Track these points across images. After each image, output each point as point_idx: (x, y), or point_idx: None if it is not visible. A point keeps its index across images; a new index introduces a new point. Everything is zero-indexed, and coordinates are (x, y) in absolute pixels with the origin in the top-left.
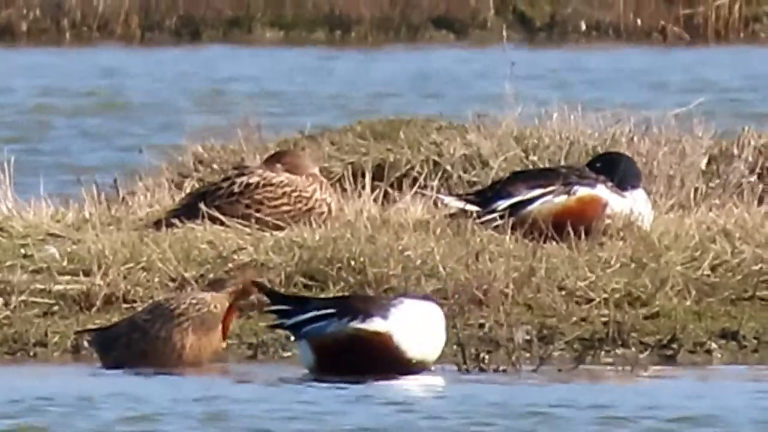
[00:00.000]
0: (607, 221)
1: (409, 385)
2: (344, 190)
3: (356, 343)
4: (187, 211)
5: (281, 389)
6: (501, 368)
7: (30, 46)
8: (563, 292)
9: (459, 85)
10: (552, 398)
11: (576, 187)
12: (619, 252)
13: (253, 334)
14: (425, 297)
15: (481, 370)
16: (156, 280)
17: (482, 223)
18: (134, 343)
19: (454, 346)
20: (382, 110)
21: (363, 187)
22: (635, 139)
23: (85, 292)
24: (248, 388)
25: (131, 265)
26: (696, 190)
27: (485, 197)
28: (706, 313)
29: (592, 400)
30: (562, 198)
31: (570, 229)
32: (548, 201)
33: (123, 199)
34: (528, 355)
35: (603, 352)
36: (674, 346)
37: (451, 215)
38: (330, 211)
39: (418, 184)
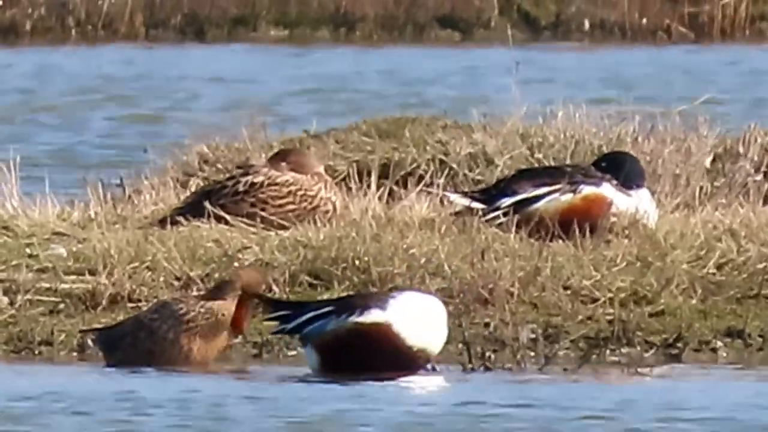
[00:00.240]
0: (613, 220)
1: (414, 383)
2: (349, 188)
3: (357, 337)
4: (192, 209)
5: (285, 388)
6: (506, 367)
7: (34, 45)
8: (568, 291)
9: (464, 84)
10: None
11: (581, 186)
12: (625, 251)
13: (257, 333)
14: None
15: (487, 369)
16: (161, 279)
17: (487, 221)
18: (140, 342)
19: (460, 345)
20: (387, 109)
21: (368, 186)
22: (640, 138)
23: (90, 291)
24: (252, 386)
25: (136, 264)
26: (701, 188)
27: (490, 195)
28: (712, 312)
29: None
30: (568, 196)
31: (575, 227)
32: (554, 199)
33: (128, 197)
34: (533, 354)
35: (608, 351)
36: (680, 344)
37: (457, 213)
38: (335, 209)
39: (423, 183)
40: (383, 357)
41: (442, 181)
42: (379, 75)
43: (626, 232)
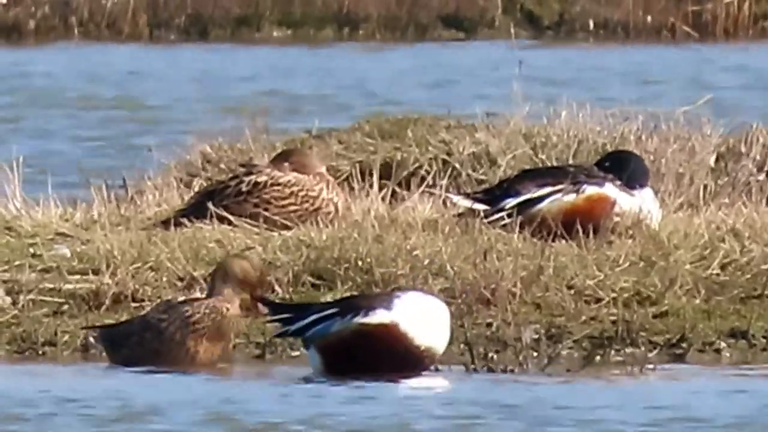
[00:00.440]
0: (616, 220)
1: (416, 384)
2: (352, 189)
3: (362, 339)
4: (196, 210)
5: (288, 388)
6: (509, 368)
7: (38, 45)
8: (572, 291)
9: (467, 84)
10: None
11: (584, 186)
12: (628, 251)
13: (260, 333)
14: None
15: (489, 369)
16: (164, 279)
17: (490, 221)
18: (147, 342)
19: (462, 346)
20: (389, 109)
21: (371, 186)
22: (644, 137)
23: (94, 291)
24: (255, 387)
25: (140, 264)
26: (705, 187)
27: (493, 196)
28: (715, 312)
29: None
30: (571, 196)
31: (579, 227)
32: (557, 199)
33: (131, 198)
34: (536, 354)
35: (612, 352)
36: (683, 345)
37: (460, 214)
38: (337, 210)
39: (426, 183)
40: (390, 358)
41: (445, 181)
42: (382, 74)
43: (630, 232)
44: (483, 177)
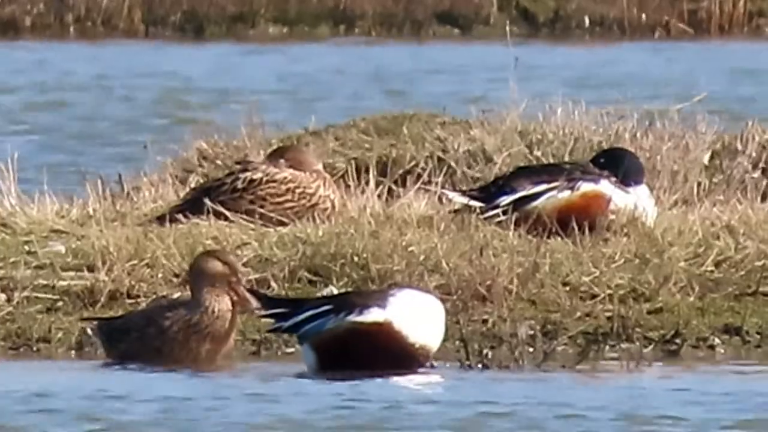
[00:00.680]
0: (611, 217)
1: (411, 381)
2: (348, 186)
3: (356, 337)
4: (191, 206)
5: (283, 385)
6: (504, 364)
7: (34, 41)
8: (567, 288)
9: (462, 81)
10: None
11: (580, 183)
12: (623, 248)
13: (256, 330)
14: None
15: (485, 366)
16: (160, 275)
17: (486, 218)
18: (149, 338)
19: (458, 342)
20: (385, 106)
21: (367, 183)
22: (639, 134)
23: (89, 288)
24: (250, 384)
25: (135, 261)
26: (699, 185)
27: (489, 193)
28: (710, 309)
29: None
30: (566, 193)
31: (574, 224)
32: (552, 196)
33: (127, 194)
34: (532, 350)
35: (607, 348)
36: (678, 341)
37: (455, 211)
38: (333, 206)
39: (421, 180)
40: (384, 355)
41: (440, 178)
42: (377, 71)
43: (625, 229)
44: (479, 174)
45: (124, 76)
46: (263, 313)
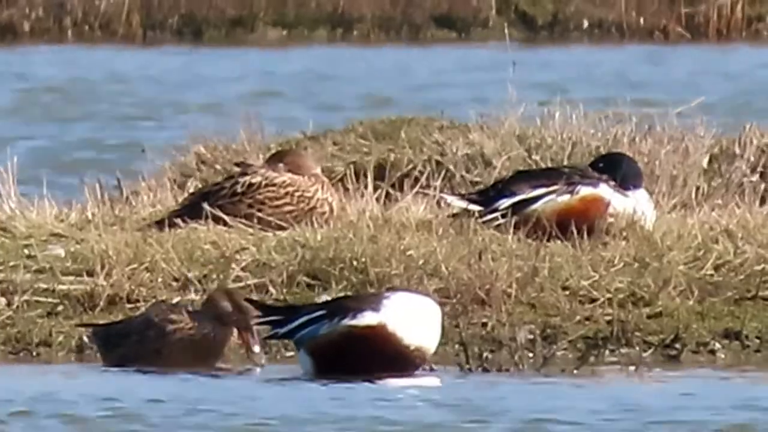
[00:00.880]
0: (610, 221)
1: (410, 384)
2: (346, 189)
3: (350, 341)
4: (190, 211)
5: (282, 388)
6: (504, 368)
7: (32, 46)
8: (566, 292)
9: (461, 85)
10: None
11: (579, 187)
12: (622, 251)
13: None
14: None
15: (484, 369)
16: (159, 280)
17: (485, 222)
18: (149, 340)
19: (457, 346)
20: (383, 110)
21: (365, 187)
22: (637, 138)
23: (88, 292)
24: (250, 387)
25: (135, 265)
26: (698, 189)
27: (488, 197)
28: (709, 313)
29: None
30: (565, 197)
31: (573, 228)
32: (551, 200)
33: (126, 199)
34: (531, 354)
35: (607, 352)
36: (677, 345)
37: (454, 215)
38: (332, 210)
39: (420, 184)
40: (379, 359)
41: (439, 182)
42: (375, 75)
43: (624, 233)
44: (477, 179)
45: (121, 79)
46: (261, 320)
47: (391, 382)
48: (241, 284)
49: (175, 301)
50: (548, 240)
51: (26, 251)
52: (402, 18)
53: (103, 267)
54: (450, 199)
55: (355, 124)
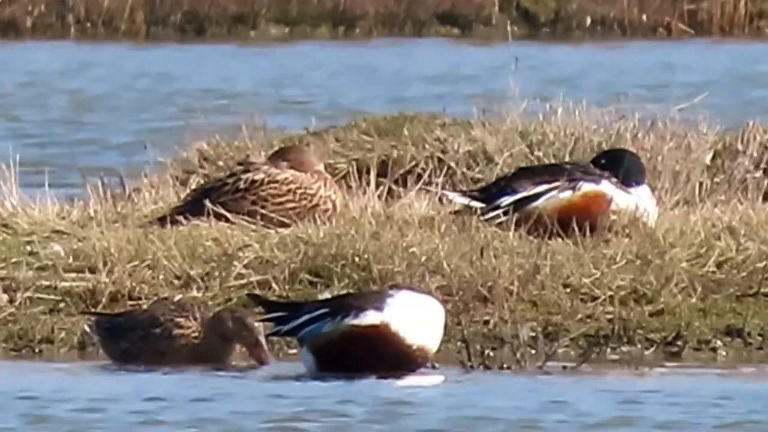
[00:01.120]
0: (612, 217)
1: (413, 382)
2: (349, 186)
3: (353, 340)
4: (192, 208)
5: (285, 386)
6: (506, 365)
7: (35, 42)
8: (568, 289)
9: (463, 81)
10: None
11: (581, 183)
12: (624, 249)
13: None
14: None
15: (486, 367)
16: (161, 277)
17: (487, 219)
18: (154, 339)
19: (459, 343)
20: (386, 106)
21: (368, 184)
22: (640, 135)
23: (90, 290)
24: (250, 385)
25: (136, 262)
26: (701, 185)
27: (490, 193)
28: (711, 310)
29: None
30: (567, 194)
31: (575, 225)
32: (553, 197)
33: (128, 196)
34: (533, 352)
35: (608, 349)
36: (679, 343)
37: (456, 212)
38: (335, 207)
39: (422, 181)
40: (382, 357)
41: (441, 179)
42: (378, 72)
43: (626, 229)
44: (479, 175)
45: (123, 76)
46: (263, 317)
47: (393, 380)
48: (244, 281)
49: (176, 299)
50: (550, 237)
51: (28, 248)
52: (404, 15)
53: (105, 264)
54: (452, 195)
55: (357, 121)
